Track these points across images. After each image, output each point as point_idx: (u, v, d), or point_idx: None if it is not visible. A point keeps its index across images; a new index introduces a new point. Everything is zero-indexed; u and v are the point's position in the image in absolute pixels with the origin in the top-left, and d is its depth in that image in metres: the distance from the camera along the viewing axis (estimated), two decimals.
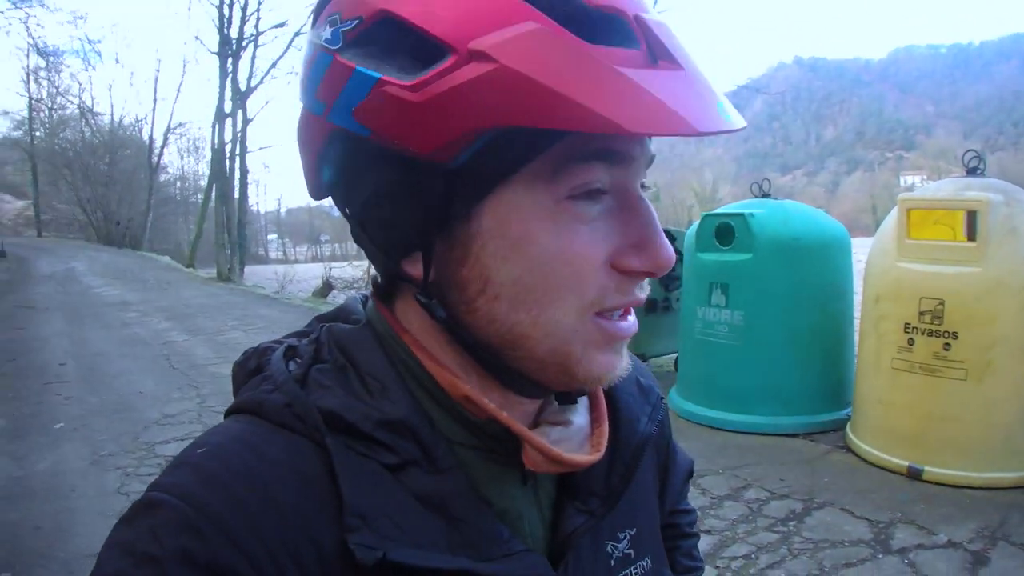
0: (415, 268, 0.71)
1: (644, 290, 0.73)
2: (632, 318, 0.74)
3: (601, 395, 0.85)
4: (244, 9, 26.62)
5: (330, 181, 0.76)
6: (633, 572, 0.89)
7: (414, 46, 0.63)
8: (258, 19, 27.25)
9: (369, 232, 0.74)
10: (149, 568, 0.61)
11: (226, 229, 26.02)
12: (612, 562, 0.87)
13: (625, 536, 0.89)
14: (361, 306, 0.86)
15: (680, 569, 1.12)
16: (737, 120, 0.64)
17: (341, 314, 0.86)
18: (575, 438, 0.80)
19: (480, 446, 0.76)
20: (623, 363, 0.74)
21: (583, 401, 0.84)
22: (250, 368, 0.82)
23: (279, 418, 0.72)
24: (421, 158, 0.65)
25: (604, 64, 0.60)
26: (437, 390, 0.75)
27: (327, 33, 0.69)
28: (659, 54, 0.63)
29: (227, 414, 0.78)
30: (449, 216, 0.68)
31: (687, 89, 0.62)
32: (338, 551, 0.66)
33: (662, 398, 0.96)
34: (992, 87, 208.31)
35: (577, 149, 0.65)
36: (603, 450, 0.80)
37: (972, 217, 4.71)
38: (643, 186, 0.73)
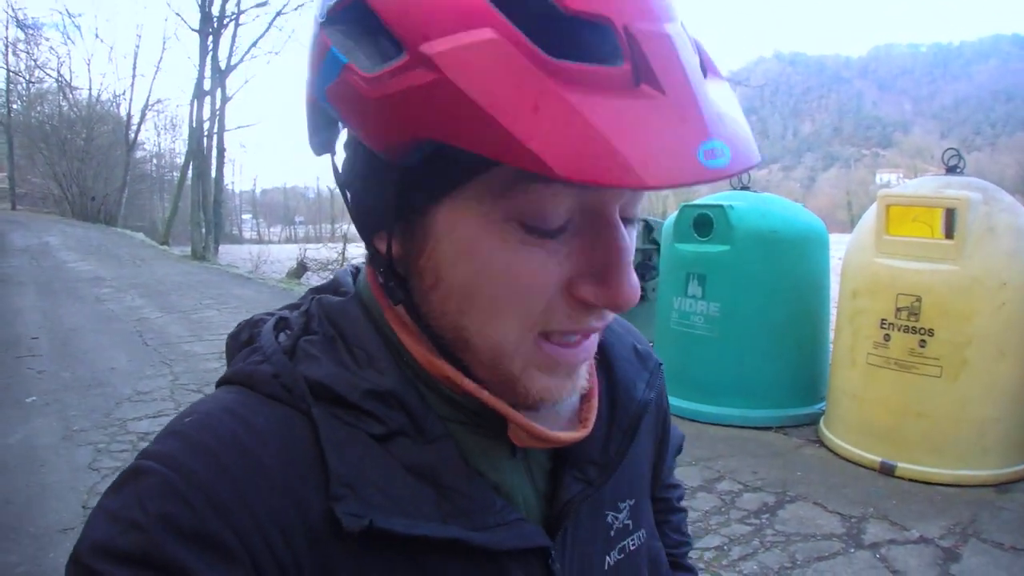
0: (382, 246, 0.70)
1: (603, 319, 0.70)
2: (587, 344, 0.71)
3: (593, 369, 0.82)
4: None
5: (322, 143, 0.75)
6: (630, 544, 0.89)
7: (378, 36, 0.61)
8: None
9: (350, 202, 0.74)
10: (134, 535, 0.61)
11: (202, 208, 25.87)
12: (612, 532, 0.87)
13: (625, 506, 0.88)
14: (351, 279, 0.85)
15: (670, 543, 1.12)
16: (733, 160, 0.57)
17: (332, 286, 0.85)
18: (564, 412, 0.79)
19: (466, 421, 0.76)
20: (571, 386, 0.72)
21: None
22: (242, 340, 0.82)
23: (267, 389, 0.72)
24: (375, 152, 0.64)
25: (553, 87, 0.54)
26: (417, 366, 0.75)
27: (320, 2, 0.67)
28: (643, 75, 0.56)
29: (218, 385, 0.78)
30: (408, 208, 0.67)
31: (659, 123, 0.55)
32: (325, 521, 0.66)
33: (660, 364, 0.95)
34: (971, 87, 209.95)
35: (527, 173, 0.58)
36: (591, 426, 0.79)
37: (951, 215, 4.75)
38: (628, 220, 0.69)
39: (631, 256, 0.66)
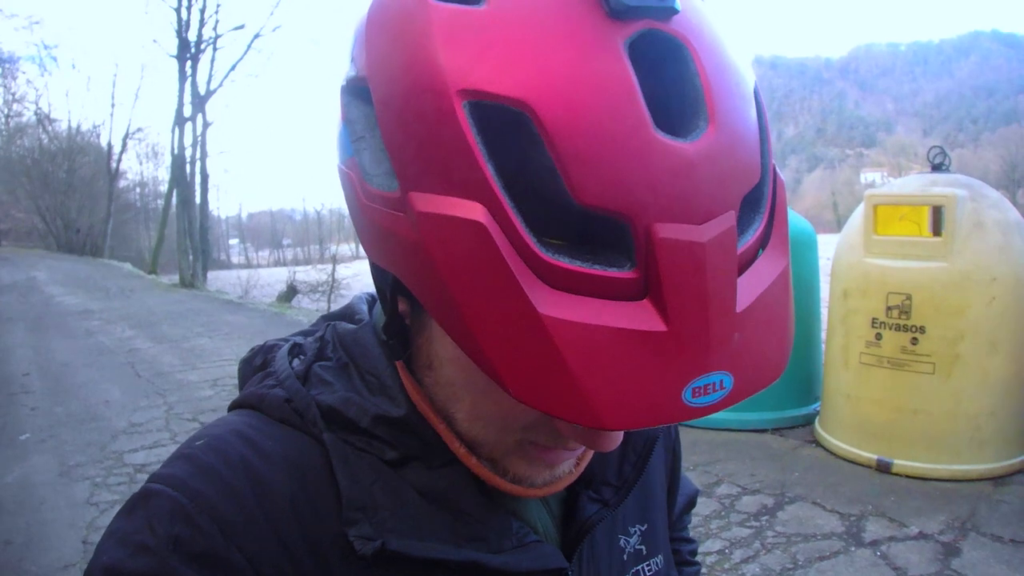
0: (389, 302, 0.69)
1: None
2: (575, 451, 0.72)
3: None
4: (203, 12, 26.39)
5: None
6: (646, 569, 0.89)
7: (378, 147, 0.59)
8: (216, 22, 27.03)
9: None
10: (144, 558, 0.61)
11: (188, 235, 25.77)
12: (624, 556, 0.87)
13: (636, 531, 0.88)
14: (366, 307, 0.86)
15: None
16: (733, 392, 0.54)
17: (346, 313, 0.86)
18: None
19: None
20: (548, 474, 0.73)
21: None
22: (256, 365, 0.82)
23: (279, 413, 0.73)
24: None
25: (528, 301, 0.49)
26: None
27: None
28: (651, 288, 0.50)
29: (230, 409, 0.79)
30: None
31: (646, 358, 0.50)
32: (336, 545, 0.67)
33: None
34: (952, 84, 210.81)
35: None
36: (582, 468, 0.78)
37: (938, 212, 4.78)
38: None
39: None
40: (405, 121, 0.53)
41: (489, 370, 0.51)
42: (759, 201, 0.59)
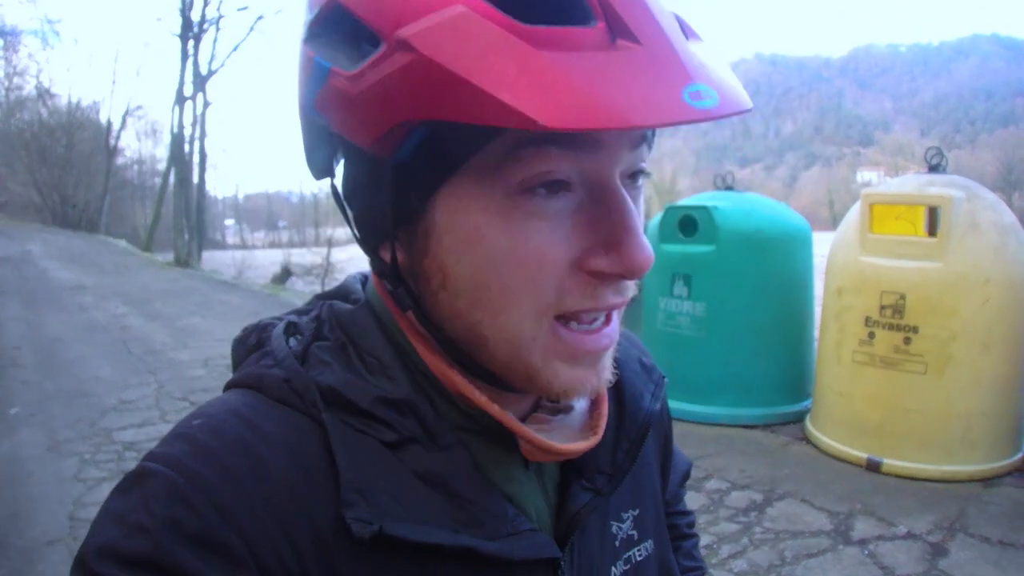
0: (387, 255, 0.71)
1: (621, 294, 0.69)
2: (609, 330, 0.70)
3: None
4: None
5: (320, 166, 0.76)
6: (636, 554, 0.89)
7: (357, 35, 0.62)
8: (220, 2, 27.00)
9: (352, 217, 0.74)
10: (140, 538, 0.61)
11: (184, 214, 25.78)
12: (616, 543, 0.87)
13: (628, 517, 0.88)
14: (360, 285, 0.85)
15: (683, 570, 1.11)
16: (722, 103, 0.58)
17: (341, 292, 0.85)
18: (575, 423, 0.80)
19: (479, 431, 0.75)
20: (596, 379, 0.71)
21: None
22: (250, 344, 0.81)
23: (278, 393, 0.72)
24: (366, 151, 0.65)
25: (529, 49, 0.55)
26: (432, 377, 0.74)
27: (301, 24, 0.69)
28: (617, 31, 0.57)
29: (226, 388, 0.77)
30: (408, 208, 0.66)
31: (637, 72, 0.56)
32: (333, 527, 0.66)
33: (664, 377, 0.95)
34: (950, 85, 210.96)
35: (525, 135, 0.60)
36: (600, 434, 0.79)
37: (933, 213, 4.77)
38: (641, 172, 0.69)
39: (638, 220, 0.66)
40: None
41: (520, 120, 0.54)
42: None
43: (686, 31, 0.64)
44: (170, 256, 25.22)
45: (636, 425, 0.86)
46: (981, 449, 4.73)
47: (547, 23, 0.57)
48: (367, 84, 0.60)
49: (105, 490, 4.83)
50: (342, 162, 0.74)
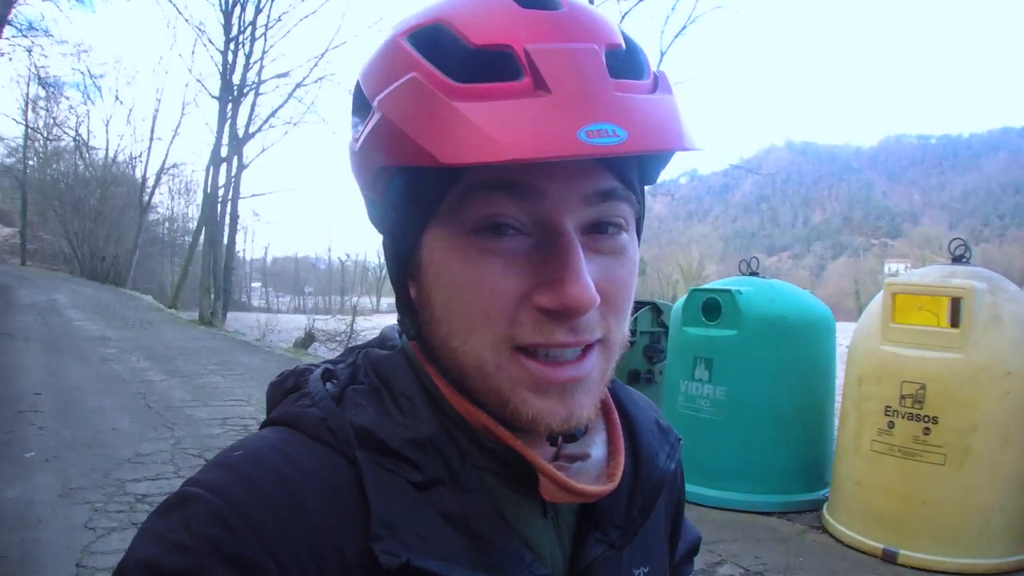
0: (402, 289, 0.79)
1: (574, 333, 0.72)
2: (581, 365, 0.74)
3: (618, 428, 0.87)
4: (248, 56, 26.95)
5: (371, 216, 0.86)
6: None
7: (364, 106, 0.75)
8: (261, 67, 27.54)
9: (385, 262, 0.83)
10: (179, 555, 0.64)
11: (212, 273, 25.99)
12: None
13: (640, 573, 0.89)
14: (397, 335, 0.89)
15: None
16: (630, 139, 0.63)
17: (378, 341, 0.90)
18: (592, 470, 0.82)
19: (502, 473, 0.79)
20: (566, 412, 0.73)
21: (600, 435, 0.86)
22: (286, 387, 0.86)
23: (314, 431, 0.76)
24: (369, 197, 0.80)
25: (447, 103, 0.64)
26: (457, 417, 0.78)
27: None
28: (538, 83, 0.64)
29: (263, 425, 0.81)
30: (406, 246, 0.76)
31: (541, 114, 0.63)
32: (361, 560, 0.69)
33: (679, 439, 0.98)
34: (980, 178, 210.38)
35: (476, 182, 0.69)
36: (617, 480, 0.81)
37: (956, 304, 4.77)
38: (612, 225, 0.74)
39: (579, 262, 0.70)
40: (373, 65, 0.75)
41: (428, 159, 0.63)
42: (640, 68, 0.74)
43: (659, 84, 0.74)
44: (195, 314, 25.39)
45: (651, 482, 0.89)
46: (998, 543, 4.65)
47: (485, 80, 0.66)
48: (361, 142, 0.74)
49: (115, 540, 4.85)
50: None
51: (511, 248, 0.70)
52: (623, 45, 0.73)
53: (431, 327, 0.76)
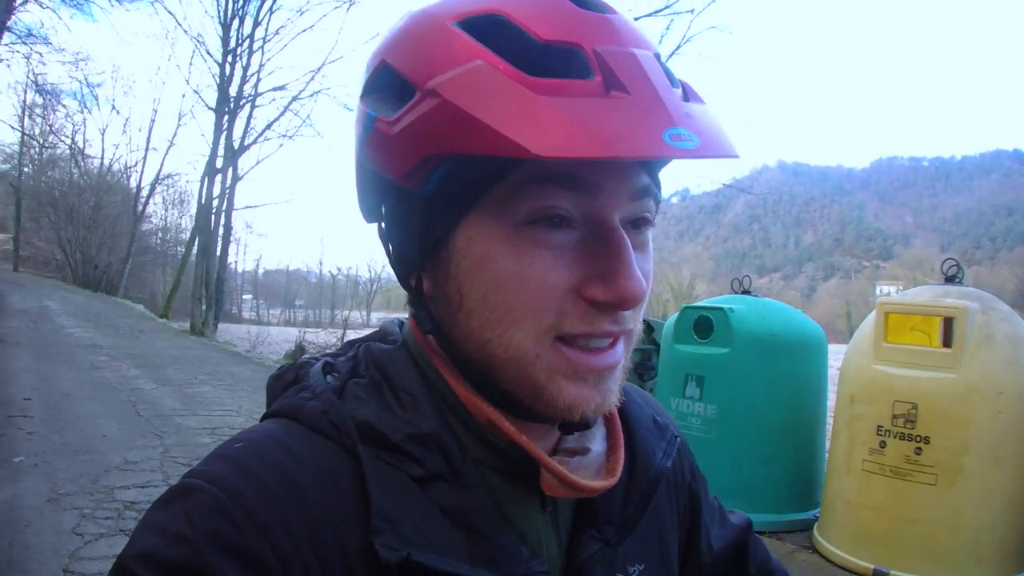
0: (414, 283, 0.79)
1: (618, 323, 0.74)
2: (613, 352, 0.76)
3: (618, 423, 0.88)
4: (246, 69, 27.00)
5: (369, 208, 0.84)
6: None
7: (399, 88, 0.73)
8: (258, 80, 27.57)
9: (390, 252, 0.82)
10: (181, 547, 0.64)
11: (204, 283, 25.96)
12: None
13: (635, 571, 0.90)
14: (398, 328, 0.90)
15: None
16: (703, 146, 0.65)
17: (378, 335, 0.90)
18: (592, 465, 0.83)
19: (502, 468, 0.79)
20: (600, 398, 0.75)
21: (600, 429, 0.87)
22: (287, 380, 0.86)
23: (315, 424, 0.76)
24: (399, 184, 0.75)
25: (530, 94, 0.64)
26: (463, 411, 0.79)
27: (360, 84, 0.81)
28: (611, 84, 0.65)
29: (264, 418, 0.82)
30: (434, 237, 0.75)
31: (624, 115, 0.64)
32: (361, 553, 0.69)
33: (677, 436, 0.99)
34: (972, 201, 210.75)
35: (531, 174, 0.69)
36: (618, 475, 0.82)
37: (949, 324, 4.79)
38: (645, 221, 0.76)
39: (632, 257, 0.72)
40: (418, 49, 0.73)
41: (519, 151, 0.62)
42: (672, 77, 0.74)
43: (688, 94, 0.74)
44: (186, 324, 25.35)
45: (647, 480, 0.89)
46: (989, 563, 4.64)
47: (551, 76, 0.66)
48: (403, 125, 0.71)
49: (103, 546, 4.82)
50: (386, 208, 0.82)
51: (561, 241, 0.71)
52: (659, 55, 0.75)
53: (456, 319, 0.76)
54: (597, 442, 0.85)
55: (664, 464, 0.92)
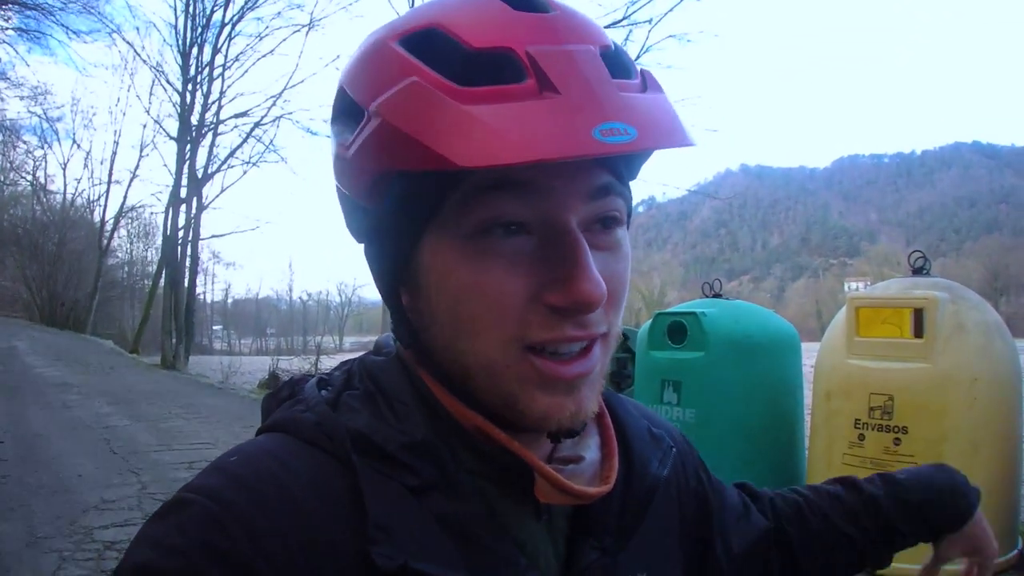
0: (394, 299, 0.79)
1: (583, 327, 0.73)
2: (586, 360, 0.75)
3: (611, 431, 0.88)
4: (206, 96, 26.89)
5: (355, 231, 0.85)
6: None
7: (353, 112, 0.74)
8: (219, 107, 27.47)
9: (372, 271, 0.83)
10: (175, 559, 0.64)
11: (173, 316, 25.78)
12: None
13: None
14: (393, 342, 0.90)
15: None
16: (641, 138, 0.65)
17: (374, 349, 0.91)
18: (587, 472, 0.83)
19: (495, 477, 0.79)
20: (574, 406, 0.75)
21: (594, 438, 0.87)
22: (282, 397, 0.86)
23: (309, 435, 0.76)
24: (362, 205, 0.77)
25: (457, 106, 0.64)
26: (451, 420, 0.79)
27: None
28: (543, 85, 0.66)
29: (259, 432, 0.82)
30: (402, 253, 0.76)
31: (552, 115, 0.64)
32: (356, 563, 0.69)
33: (672, 447, 0.98)
34: (934, 194, 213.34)
35: (479, 184, 0.69)
36: (612, 482, 0.82)
37: (919, 315, 4.82)
38: (612, 220, 0.76)
39: (587, 257, 0.71)
40: (366, 71, 0.74)
41: (443, 163, 0.62)
42: (629, 68, 0.75)
43: (648, 83, 0.75)
44: (157, 358, 25.18)
45: (643, 489, 0.89)
46: None
47: (487, 83, 0.66)
48: (355, 148, 0.72)
49: None
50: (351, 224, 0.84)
51: (516, 248, 0.71)
52: (612, 46, 0.74)
53: (431, 332, 0.76)
54: (591, 450, 0.85)
55: (660, 473, 0.92)
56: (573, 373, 0.74)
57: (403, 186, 0.72)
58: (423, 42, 0.71)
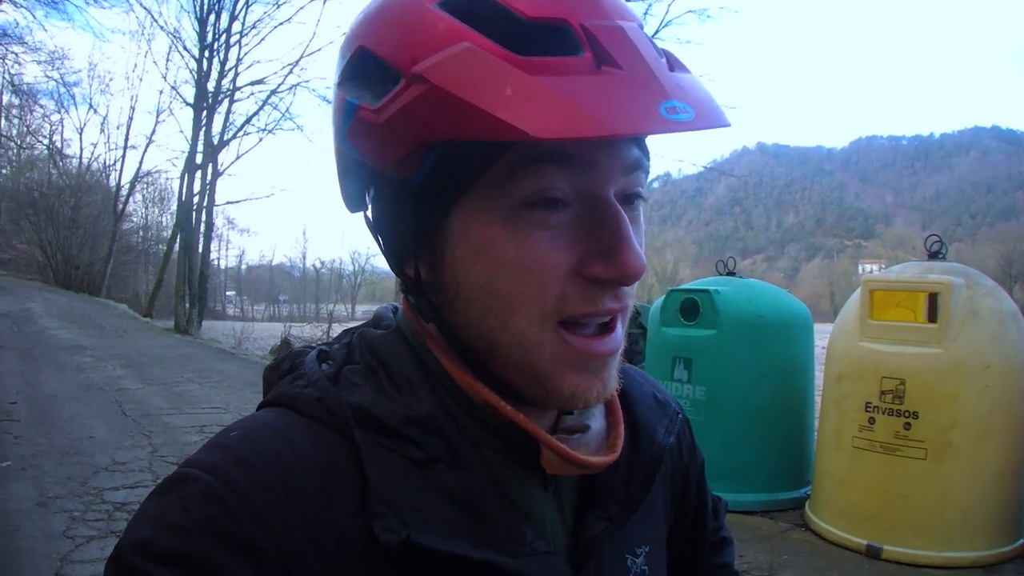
0: (410, 271, 0.76)
1: (619, 299, 0.73)
2: (613, 335, 0.75)
3: (616, 400, 0.86)
4: (223, 63, 26.82)
5: (353, 198, 0.83)
6: None
7: (380, 74, 0.71)
8: (236, 74, 27.39)
9: (381, 243, 0.80)
10: (175, 536, 0.64)
11: (187, 281, 25.85)
12: None
13: (641, 552, 0.90)
14: (392, 314, 0.90)
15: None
16: (698, 118, 0.65)
17: (372, 322, 0.89)
18: (592, 442, 0.82)
19: (502, 448, 0.78)
20: (601, 386, 0.75)
21: (599, 407, 0.86)
22: (283, 370, 0.85)
23: (311, 411, 0.76)
24: (389, 173, 0.73)
25: (522, 75, 0.62)
26: (459, 393, 0.78)
27: (336, 70, 0.78)
28: (602, 59, 0.64)
29: (260, 407, 0.81)
30: (427, 225, 0.73)
31: (619, 91, 0.63)
32: (360, 538, 0.69)
33: (679, 413, 0.98)
34: (951, 179, 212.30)
35: (525, 155, 0.67)
36: (619, 451, 0.82)
37: (934, 299, 4.81)
38: (637, 196, 0.75)
39: (631, 232, 0.71)
40: (398, 32, 0.70)
41: (514, 133, 0.60)
42: (656, 47, 0.72)
43: (672, 63, 0.72)
44: (170, 323, 25.25)
45: (649, 456, 0.89)
46: (982, 536, 4.69)
47: (540, 54, 0.64)
48: (389, 114, 0.68)
49: (94, 549, 4.79)
50: (373, 197, 0.80)
51: (559, 221, 0.70)
52: (641, 24, 0.73)
53: (454, 306, 0.75)
54: (596, 419, 0.84)
55: (666, 440, 0.92)
56: (606, 350, 0.74)
57: (443, 155, 0.69)
58: (470, 7, 0.68)
